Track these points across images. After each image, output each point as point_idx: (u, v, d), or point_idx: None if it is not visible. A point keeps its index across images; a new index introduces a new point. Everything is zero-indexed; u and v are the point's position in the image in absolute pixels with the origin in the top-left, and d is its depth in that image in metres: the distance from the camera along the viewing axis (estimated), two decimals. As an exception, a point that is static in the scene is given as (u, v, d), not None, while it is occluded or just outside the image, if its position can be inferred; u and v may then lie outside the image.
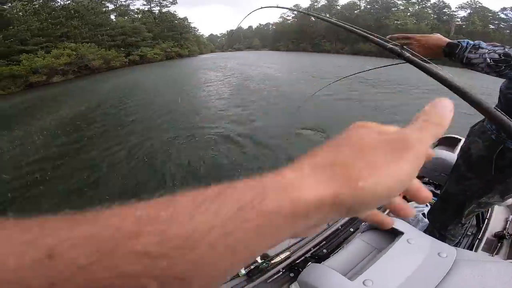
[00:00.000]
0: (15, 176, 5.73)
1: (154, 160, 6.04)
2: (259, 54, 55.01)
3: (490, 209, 1.73)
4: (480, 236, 1.60)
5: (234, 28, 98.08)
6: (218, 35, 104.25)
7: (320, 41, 57.18)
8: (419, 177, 1.84)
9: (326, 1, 61.46)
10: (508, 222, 1.74)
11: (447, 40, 1.02)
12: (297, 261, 1.44)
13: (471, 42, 0.99)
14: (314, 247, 1.52)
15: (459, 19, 47.48)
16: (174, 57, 47.19)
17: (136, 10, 49.51)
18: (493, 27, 43.27)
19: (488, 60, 0.91)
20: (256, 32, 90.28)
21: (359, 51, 50.33)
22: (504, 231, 1.63)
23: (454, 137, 1.96)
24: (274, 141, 6.64)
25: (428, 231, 1.52)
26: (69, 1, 36.44)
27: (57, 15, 32.98)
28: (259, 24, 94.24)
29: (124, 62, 38.03)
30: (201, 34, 75.55)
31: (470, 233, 1.66)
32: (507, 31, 41.80)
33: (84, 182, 5.28)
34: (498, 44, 0.96)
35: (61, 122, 10.33)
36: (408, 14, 49.93)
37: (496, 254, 1.50)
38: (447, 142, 2.00)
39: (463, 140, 1.76)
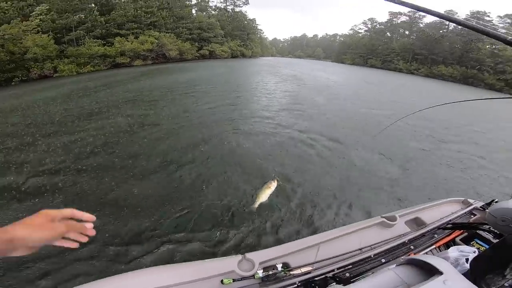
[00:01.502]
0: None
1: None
2: (325, 64, 53.11)
3: None
4: None
5: (298, 34, 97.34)
6: (281, 40, 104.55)
7: (392, 59, 52.88)
8: (481, 223, 1.88)
9: (407, 18, 56.59)
10: None
11: None
12: (316, 279, 1.36)
13: None
14: (338, 268, 1.46)
15: None
16: (238, 56, 48.41)
17: (213, 7, 52.27)
18: None
19: None
20: (320, 42, 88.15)
21: (437, 74, 45.15)
22: None
23: None
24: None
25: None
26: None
27: (151, 4, 36.01)
28: (326, 33, 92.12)
29: (195, 56, 40.09)
30: (265, 36, 76.55)
31: (507, 285, 1.45)
32: None
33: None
34: None
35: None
36: (510, 38, 42.68)
37: None
38: None
39: None
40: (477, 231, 1.96)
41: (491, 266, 1.30)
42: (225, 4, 53.05)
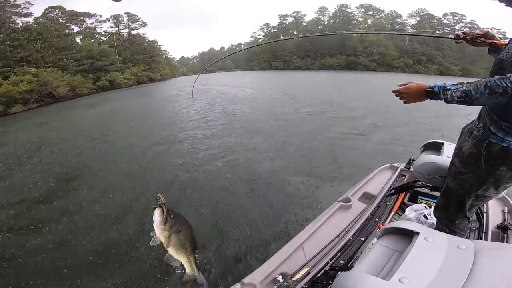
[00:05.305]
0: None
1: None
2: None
3: (485, 204, 1.86)
4: (484, 229, 1.74)
5: (205, 49, 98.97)
6: (190, 57, 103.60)
7: (291, 58, 59.25)
8: (414, 181, 2.20)
9: (293, 19, 64.87)
10: (506, 213, 1.92)
11: (425, 87, 1.16)
12: (318, 275, 1.42)
13: (439, 84, 1.12)
14: (331, 259, 1.52)
15: (410, 27, 52.21)
16: (145, 82, 45.44)
17: (103, 33, 47.94)
18: (439, 32, 47.71)
19: (456, 98, 1.08)
20: (228, 53, 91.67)
21: (328, 66, 53.09)
22: (505, 222, 1.79)
23: (437, 142, 2.13)
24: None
25: (438, 229, 1.52)
26: (30, 22, 34.01)
27: (17, 37, 30.34)
28: (231, 44, 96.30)
29: (92, 89, 35.71)
30: (172, 57, 74.92)
31: (474, 228, 1.74)
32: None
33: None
34: (460, 82, 1.11)
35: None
36: (367, 25, 54.09)
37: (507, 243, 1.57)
38: (432, 147, 2.14)
39: (445, 143, 2.03)
40: (416, 189, 2.23)
41: (452, 212, 1.44)
42: (117, 29, 49.53)
